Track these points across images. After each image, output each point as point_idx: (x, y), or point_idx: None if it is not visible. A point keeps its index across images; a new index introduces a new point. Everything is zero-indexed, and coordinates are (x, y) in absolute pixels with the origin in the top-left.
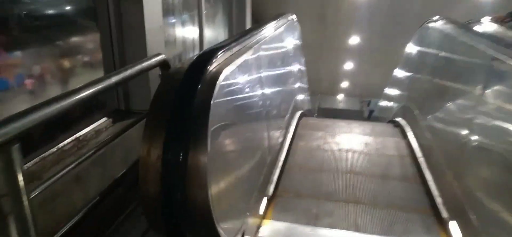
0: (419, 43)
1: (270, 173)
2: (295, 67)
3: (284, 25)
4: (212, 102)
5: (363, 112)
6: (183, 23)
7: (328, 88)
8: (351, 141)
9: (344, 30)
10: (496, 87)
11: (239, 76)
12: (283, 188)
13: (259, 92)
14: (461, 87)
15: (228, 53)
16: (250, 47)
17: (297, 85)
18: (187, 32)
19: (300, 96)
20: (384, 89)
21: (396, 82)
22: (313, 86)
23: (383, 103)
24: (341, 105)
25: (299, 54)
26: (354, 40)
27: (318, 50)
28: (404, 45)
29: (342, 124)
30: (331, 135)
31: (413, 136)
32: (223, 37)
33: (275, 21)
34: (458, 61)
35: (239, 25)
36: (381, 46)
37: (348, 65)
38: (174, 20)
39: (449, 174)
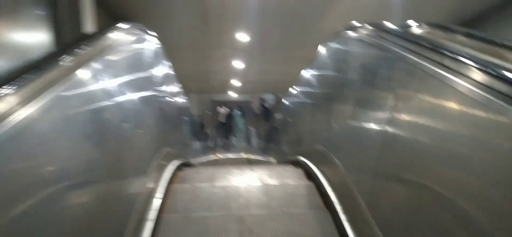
0: (333, 61)
1: None
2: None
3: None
4: None
5: (253, 107)
6: None
7: (219, 87)
8: None
9: (231, 26)
10: None
11: None
12: None
13: None
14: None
15: None
16: None
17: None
18: None
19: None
20: (286, 99)
21: (301, 106)
22: (204, 86)
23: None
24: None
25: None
26: (243, 37)
27: (204, 49)
28: (299, 42)
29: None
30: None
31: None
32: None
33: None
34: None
35: (73, 23)
36: (272, 43)
37: (238, 64)
38: None
39: None
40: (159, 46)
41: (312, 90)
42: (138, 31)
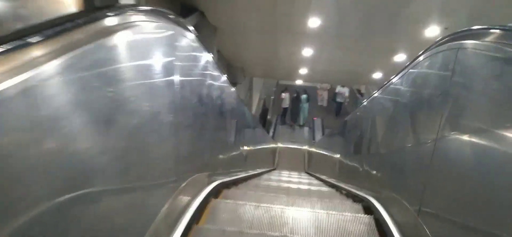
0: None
1: None
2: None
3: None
4: None
5: (318, 98)
6: None
7: (284, 72)
8: None
9: (299, 7)
10: None
11: None
12: None
13: None
14: None
15: None
16: None
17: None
18: None
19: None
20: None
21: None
22: (269, 70)
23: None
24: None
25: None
26: (313, 20)
27: (270, 32)
28: (380, 30)
29: None
30: None
31: None
32: None
33: None
34: None
35: None
36: (347, 29)
37: (306, 50)
38: None
39: None
40: (194, 38)
41: (403, 105)
42: (164, 19)
